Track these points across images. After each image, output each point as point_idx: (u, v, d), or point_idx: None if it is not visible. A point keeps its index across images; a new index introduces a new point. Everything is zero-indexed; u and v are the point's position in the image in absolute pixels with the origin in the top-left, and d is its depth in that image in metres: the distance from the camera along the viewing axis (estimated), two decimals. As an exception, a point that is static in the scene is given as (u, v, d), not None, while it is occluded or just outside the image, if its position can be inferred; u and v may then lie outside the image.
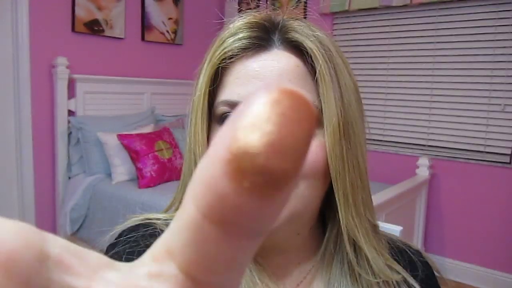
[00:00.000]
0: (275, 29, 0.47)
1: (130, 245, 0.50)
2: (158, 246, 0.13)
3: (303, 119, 0.11)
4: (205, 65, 0.47)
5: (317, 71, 0.46)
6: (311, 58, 0.46)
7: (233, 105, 0.46)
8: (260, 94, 0.12)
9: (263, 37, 0.46)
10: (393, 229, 1.43)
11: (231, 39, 0.46)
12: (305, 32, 0.47)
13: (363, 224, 0.49)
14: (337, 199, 0.47)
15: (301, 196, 0.45)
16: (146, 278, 0.12)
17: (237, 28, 0.46)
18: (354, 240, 0.49)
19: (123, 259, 0.48)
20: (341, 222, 0.48)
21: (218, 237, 0.12)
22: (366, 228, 0.49)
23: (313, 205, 0.48)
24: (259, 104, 0.11)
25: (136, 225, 0.53)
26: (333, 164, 0.45)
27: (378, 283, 0.49)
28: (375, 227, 0.53)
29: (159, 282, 0.12)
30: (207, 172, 0.12)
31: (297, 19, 0.49)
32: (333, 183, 0.46)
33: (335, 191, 0.47)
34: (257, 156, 0.11)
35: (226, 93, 0.46)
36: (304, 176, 0.45)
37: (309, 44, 0.46)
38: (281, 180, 0.11)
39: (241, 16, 0.48)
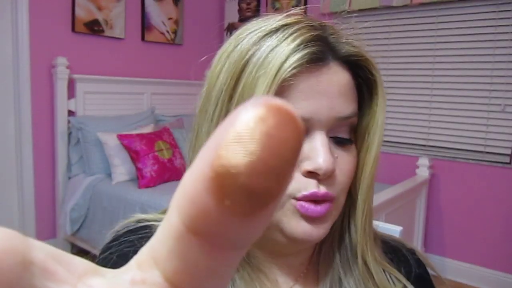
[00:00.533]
0: (329, 41, 0.47)
1: (125, 245, 0.50)
2: (143, 253, 0.13)
3: (289, 139, 0.11)
4: (262, 78, 0.43)
5: (378, 84, 0.48)
6: (364, 70, 0.48)
7: None
8: (246, 109, 0.11)
9: (322, 50, 0.45)
10: (393, 229, 1.43)
11: (298, 55, 0.43)
12: (356, 44, 0.48)
13: (370, 236, 0.51)
14: (359, 209, 0.48)
15: (339, 208, 0.47)
16: (129, 284, 0.13)
17: (301, 41, 0.44)
18: (363, 249, 0.50)
19: (114, 260, 0.48)
20: (358, 232, 0.49)
21: (201, 248, 0.12)
22: (372, 239, 0.51)
23: None
24: (244, 121, 0.11)
25: (134, 226, 0.53)
26: (369, 179, 0.48)
27: None
28: (375, 235, 0.54)
29: None
30: (191, 186, 0.12)
31: (336, 28, 0.49)
32: (361, 196, 0.48)
33: (360, 202, 0.48)
34: (239, 175, 0.11)
35: None
36: (345, 190, 0.47)
37: (368, 57, 0.47)
38: (263, 200, 0.11)
39: (293, 21, 0.46)
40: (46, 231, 2.81)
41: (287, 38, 0.44)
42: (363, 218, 0.48)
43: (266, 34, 0.45)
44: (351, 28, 0.51)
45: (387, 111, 2.95)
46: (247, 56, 0.44)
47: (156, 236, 0.13)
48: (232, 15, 3.78)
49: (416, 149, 2.90)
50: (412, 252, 0.58)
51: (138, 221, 0.53)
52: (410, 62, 2.89)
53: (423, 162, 2.72)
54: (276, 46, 0.43)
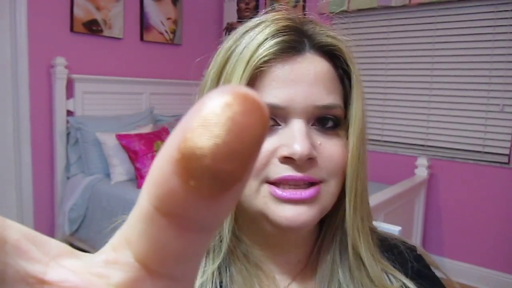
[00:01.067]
0: (306, 32, 0.48)
1: None
2: (117, 236, 0.14)
3: (253, 124, 0.12)
4: (239, 65, 0.46)
5: (353, 75, 0.48)
6: (341, 61, 0.48)
7: (270, 108, 0.45)
8: (213, 96, 0.12)
9: (297, 40, 0.47)
10: (392, 229, 1.43)
11: (270, 42, 0.45)
12: (335, 36, 0.49)
13: (366, 231, 0.50)
14: (347, 199, 0.48)
15: (331, 194, 0.47)
16: (102, 265, 0.13)
17: (274, 31, 0.46)
18: (354, 245, 0.49)
19: None
20: (347, 228, 0.49)
21: (169, 230, 0.12)
22: (366, 231, 0.50)
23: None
24: (211, 106, 0.12)
25: None
26: (353, 166, 0.47)
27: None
28: (372, 231, 0.53)
29: (114, 269, 0.13)
30: (159, 169, 0.12)
31: (318, 22, 0.50)
32: (347, 184, 0.48)
33: (347, 192, 0.48)
34: (204, 157, 0.11)
35: (263, 96, 0.46)
36: (334, 175, 0.46)
37: (343, 48, 0.48)
38: (227, 182, 0.12)
39: (274, 17, 0.48)
40: (45, 231, 2.80)
41: (263, 29, 0.46)
42: (350, 209, 0.48)
43: (247, 30, 0.47)
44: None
45: (386, 111, 2.97)
46: (229, 52, 0.47)
47: (128, 219, 0.13)
48: (231, 15, 3.78)
49: (415, 149, 2.91)
50: (413, 249, 0.57)
51: None
52: (408, 62, 2.90)
53: (422, 162, 2.73)
54: (253, 39, 0.46)
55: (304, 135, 0.44)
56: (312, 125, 0.46)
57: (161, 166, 0.12)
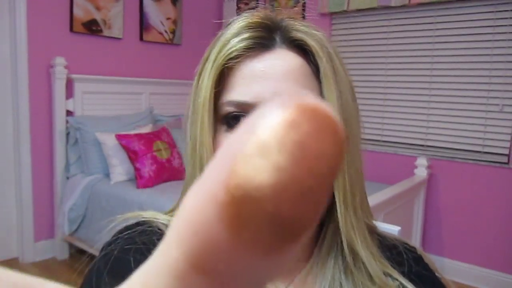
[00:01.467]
0: (277, 28, 0.48)
1: (126, 242, 0.49)
2: (134, 281, 0.11)
3: (328, 150, 0.09)
4: (208, 65, 0.47)
5: (321, 70, 0.46)
6: (313, 57, 0.47)
7: (239, 105, 0.46)
8: (272, 110, 0.09)
9: (266, 36, 0.47)
10: (391, 229, 1.43)
11: (235, 40, 0.46)
12: (306, 31, 0.48)
13: (361, 226, 0.49)
14: (336, 199, 0.47)
15: None
16: None
17: (240, 28, 0.46)
18: (350, 242, 0.48)
19: (116, 257, 0.48)
20: (340, 223, 0.48)
21: None
22: (363, 229, 0.49)
23: None
24: (270, 127, 0.08)
25: (133, 222, 0.53)
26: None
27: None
28: (372, 229, 0.53)
29: None
30: (198, 213, 0.09)
31: (296, 19, 0.49)
32: (333, 182, 0.46)
33: (334, 191, 0.47)
34: (263, 200, 0.08)
35: (232, 94, 0.46)
36: None
37: (312, 43, 0.47)
38: (294, 231, 0.09)
39: (243, 16, 0.48)
40: (44, 231, 2.80)
41: (232, 27, 0.47)
42: (341, 205, 0.47)
43: (224, 32, 0.48)
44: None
45: (386, 111, 2.97)
46: (206, 54, 0.48)
47: (151, 270, 0.10)
48: (230, 15, 3.78)
49: (415, 149, 2.91)
50: (413, 250, 0.57)
51: (136, 218, 0.53)
52: (408, 62, 2.90)
53: (422, 162, 2.73)
54: (222, 37, 0.47)
55: None
56: None
57: (200, 208, 0.09)
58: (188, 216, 0.09)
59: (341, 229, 0.48)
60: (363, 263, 0.49)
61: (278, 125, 0.08)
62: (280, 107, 0.09)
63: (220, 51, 0.46)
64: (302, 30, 0.48)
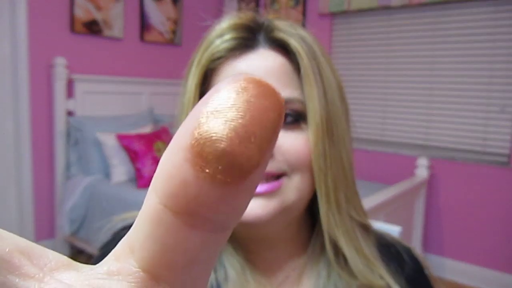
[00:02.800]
0: (260, 29, 0.49)
1: None
2: (121, 244, 0.13)
3: (269, 108, 0.11)
4: (193, 67, 0.48)
5: (302, 69, 0.47)
6: (295, 56, 0.48)
7: None
8: (227, 81, 0.11)
9: (248, 37, 0.47)
10: (392, 229, 1.43)
11: (218, 41, 0.47)
12: (289, 31, 0.48)
13: (344, 222, 0.49)
14: (318, 195, 0.47)
15: (296, 188, 0.46)
16: (104, 276, 0.12)
17: (223, 29, 0.47)
18: (333, 237, 0.49)
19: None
20: (321, 218, 0.48)
21: (180, 229, 0.11)
22: (347, 226, 0.49)
23: (305, 198, 0.48)
24: (225, 91, 0.11)
25: (130, 223, 0.53)
26: (315, 160, 0.46)
27: (358, 284, 0.49)
28: (365, 226, 0.53)
29: (117, 280, 0.12)
30: (169, 162, 0.11)
31: (280, 19, 0.50)
32: (315, 178, 0.47)
33: (316, 187, 0.47)
34: (220, 141, 0.11)
35: None
36: (297, 169, 0.46)
37: (293, 42, 0.47)
38: (245, 168, 0.11)
39: (226, 18, 0.49)
40: (45, 231, 2.80)
41: (215, 29, 0.48)
42: (322, 201, 0.47)
43: (208, 34, 0.49)
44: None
45: (386, 111, 2.97)
46: (193, 56, 0.49)
47: (134, 224, 0.13)
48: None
49: (415, 149, 2.91)
50: (407, 250, 0.57)
51: (133, 218, 0.53)
52: (408, 62, 2.90)
53: (422, 162, 2.73)
54: (206, 40, 0.48)
55: None
56: None
57: (172, 156, 0.11)
58: (162, 166, 0.12)
59: (323, 225, 0.48)
60: (345, 258, 0.49)
61: (231, 89, 0.11)
62: (233, 78, 0.11)
63: (204, 53, 0.47)
64: (284, 29, 0.48)
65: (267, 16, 0.50)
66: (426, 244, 2.85)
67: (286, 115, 0.46)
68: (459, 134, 2.73)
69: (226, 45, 0.46)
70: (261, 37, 0.48)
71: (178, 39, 3.50)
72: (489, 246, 2.64)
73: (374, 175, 2.88)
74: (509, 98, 2.53)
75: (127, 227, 0.52)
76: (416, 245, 2.64)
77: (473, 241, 2.70)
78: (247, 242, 0.51)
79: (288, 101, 0.46)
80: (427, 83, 2.82)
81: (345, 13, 3.11)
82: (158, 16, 3.34)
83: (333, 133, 0.48)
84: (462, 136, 2.72)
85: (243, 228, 0.46)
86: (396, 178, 2.75)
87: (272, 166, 0.45)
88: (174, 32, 3.47)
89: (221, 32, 0.47)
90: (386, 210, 2.11)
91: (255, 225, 0.45)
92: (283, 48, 0.48)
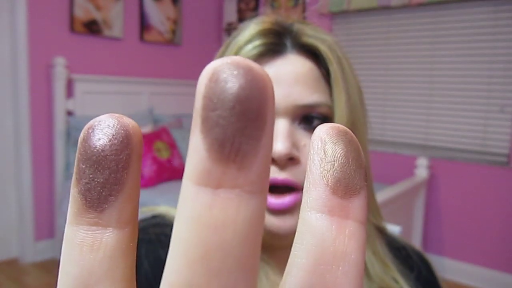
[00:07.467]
0: (287, 34, 0.49)
1: (139, 232, 0.50)
2: None
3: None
4: None
5: (332, 74, 0.48)
6: (323, 61, 0.48)
7: None
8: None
9: (277, 42, 0.48)
10: (391, 229, 1.43)
11: (248, 47, 0.47)
12: (316, 35, 0.49)
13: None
14: None
15: None
16: None
17: (252, 35, 0.47)
18: None
19: None
20: None
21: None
22: (368, 230, 0.50)
23: None
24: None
25: (147, 216, 0.55)
26: None
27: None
28: (380, 229, 0.53)
29: None
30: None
31: (304, 22, 0.51)
32: None
33: None
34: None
35: None
36: None
37: (323, 48, 0.48)
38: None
39: (253, 22, 0.49)
40: (45, 231, 2.80)
41: (244, 34, 0.48)
42: None
43: (235, 36, 0.49)
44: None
45: (386, 111, 2.97)
46: (218, 57, 0.49)
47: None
48: (231, 15, 3.78)
49: (415, 149, 2.91)
50: (418, 254, 0.58)
51: (151, 211, 0.55)
52: (408, 62, 2.90)
53: (422, 162, 2.73)
54: (234, 44, 0.48)
55: (284, 135, 0.44)
56: (299, 124, 0.47)
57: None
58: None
59: None
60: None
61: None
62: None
63: None
64: (312, 35, 0.49)
65: (292, 20, 0.51)
66: (426, 244, 2.85)
67: (314, 118, 0.47)
68: (458, 134, 2.73)
69: (256, 51, 0.47)
70: (288, 42, 0.48)
71: (178, 39, 3.50)
72: (489, 246, 2.64)
73: (374, 175, 2.88)
74: (509, 98, 2.53)
75: (143, 220, 0.54)
76: (415, 245, 2.64)
77: (473, 241, 2.70)
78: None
79: (316, 106, 0.47)
80: (427, 83, 2.83)
81: (344, 13, 3.11)
82: (158, 16, 3.34)
83: (356, 136, 0.48)
84: (461, 136, 2.72)
85: (272, 237, 0.47)
86: (395, 178, 2.75)
87: (296, 175, 0.45)
88: (174, 32, 3.46)
89: (250, 38, 0.47)
90: (385, 210, 2.11)
91: (285, 236, 0.46)
92: (310, 53, 0.49)
